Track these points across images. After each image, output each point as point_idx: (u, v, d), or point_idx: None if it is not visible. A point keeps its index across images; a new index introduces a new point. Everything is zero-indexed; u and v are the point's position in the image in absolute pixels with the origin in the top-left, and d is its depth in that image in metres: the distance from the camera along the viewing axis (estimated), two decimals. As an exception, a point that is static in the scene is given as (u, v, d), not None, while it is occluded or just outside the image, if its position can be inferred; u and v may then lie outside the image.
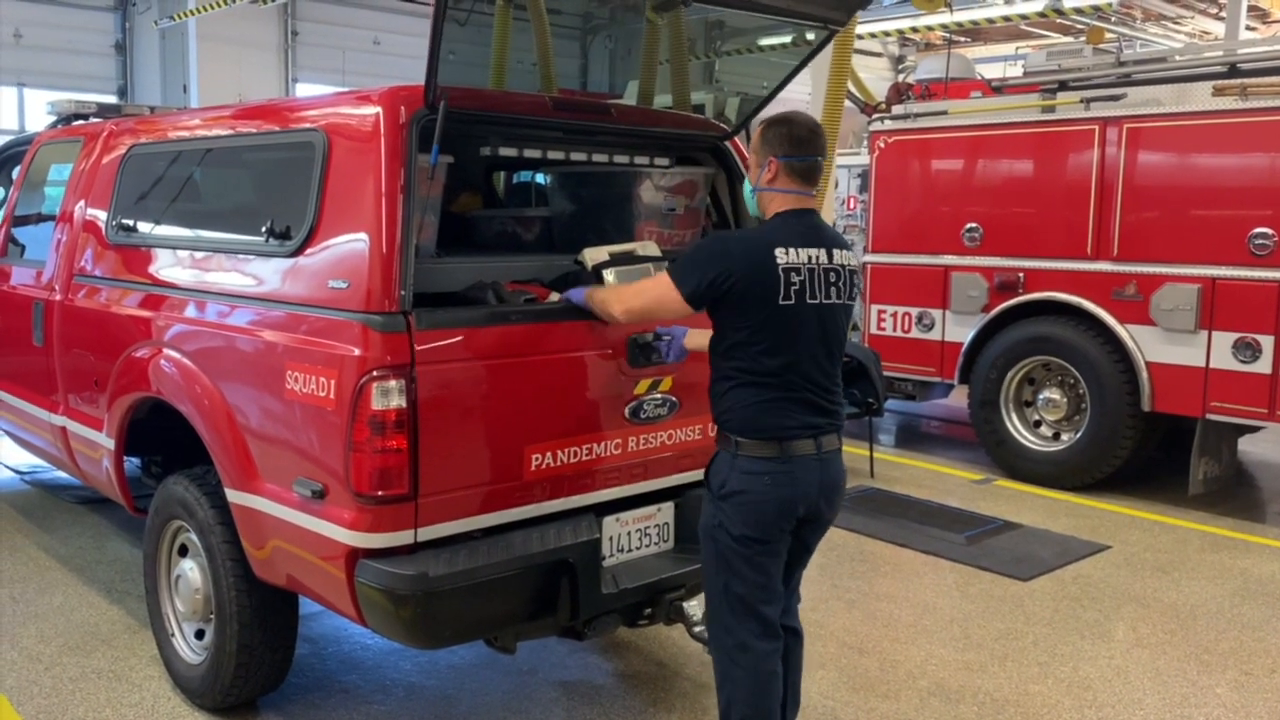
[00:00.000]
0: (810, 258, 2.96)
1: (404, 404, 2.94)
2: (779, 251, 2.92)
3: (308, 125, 3.38)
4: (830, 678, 4.25)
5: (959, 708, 4.02)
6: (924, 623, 4.85)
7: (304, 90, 15.32)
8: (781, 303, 2.90)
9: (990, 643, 4.64)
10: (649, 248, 3.94)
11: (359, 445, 2.94)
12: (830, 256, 3.01)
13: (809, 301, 2.94)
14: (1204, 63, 7.24)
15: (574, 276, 3.63)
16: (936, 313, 7.92)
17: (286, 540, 3.26)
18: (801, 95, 10.52)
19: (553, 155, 3.77)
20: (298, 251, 3.26)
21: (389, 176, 3.04)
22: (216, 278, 3.67)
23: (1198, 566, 5.73)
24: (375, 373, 2.92)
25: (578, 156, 3.84)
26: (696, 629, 3.62)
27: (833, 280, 3.00)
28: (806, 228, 3.01)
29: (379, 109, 3.13)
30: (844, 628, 4.75)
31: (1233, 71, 6.89)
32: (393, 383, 2.93)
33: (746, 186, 3.20)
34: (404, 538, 2.98)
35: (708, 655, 3.98)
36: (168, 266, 3.99)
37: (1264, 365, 6.28)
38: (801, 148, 3.01)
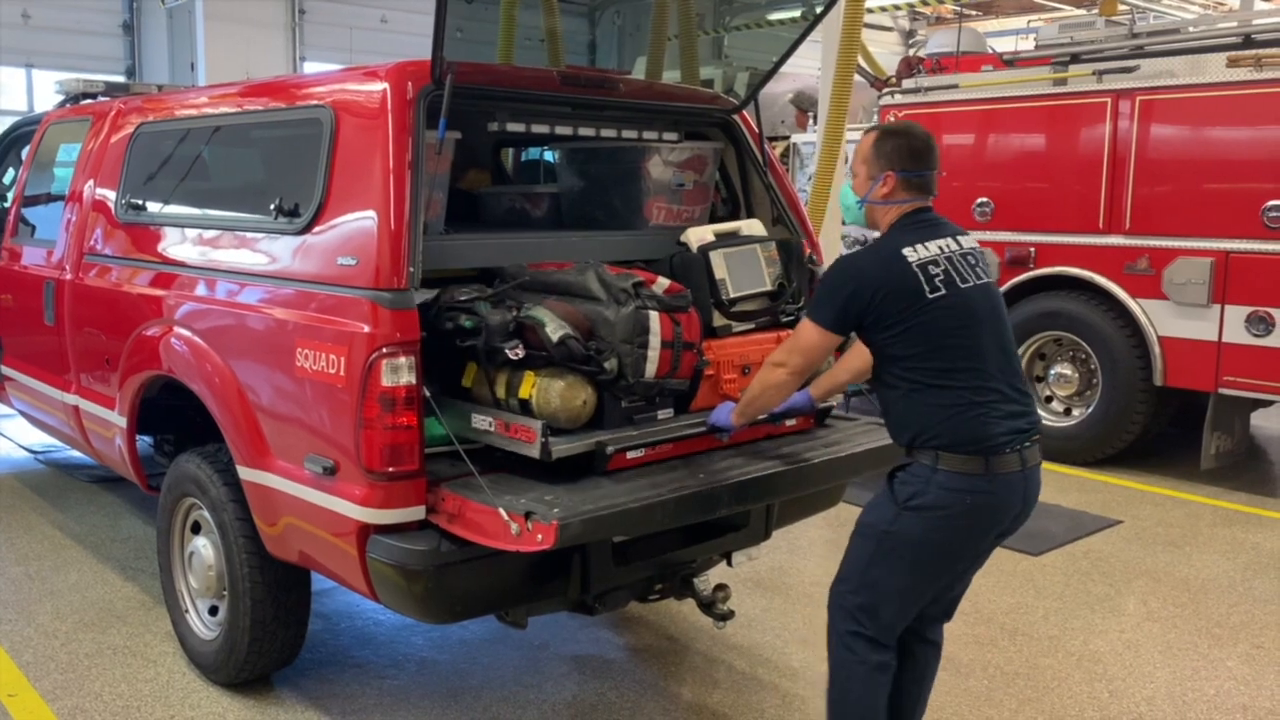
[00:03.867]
0: (941, 247, 2.83)
1: (413, 380, 2.95)
2: (907, 251, 2.79)
3: (315, 102, 3.37)
4: (840, 652, 4.26)
5: (969, 681, 4.03)
6: (934, 597, 4.85)
7: (312, 69, 15.28)
8: (930, 296, 2.74)
9: (1000, 617, 4.64)
10: (754, 226, 3.87)
11: (369, 422, 2.95)
12: (959, 243, 2.88)
13: (962, 286, 2.79)
14: (1217, 34, 7.16)
15: (677, 259, 3.61)
16: (947, 288, 7.86)
17: (298, 517, 3.28)
18: (812, 69, 10.46)
19: (561, 131, 3.75)
20: (306, 229, 3.26)
21: (396, 153, 3.04)
22: (226, 256, 3.68)
23: (1209, 541, 5.72)
24: (384, 349, 2.93)
25: (586, 132, 3.82)
26: (707, 604, 3.63)
27: (971, 263, 2.86)
28: (925, 225, 2.89)
29: (386, 85, 3.12)
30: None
31: (1247, 42, 6.82)
32: (402, 359, 2.94)
33: (848, 196, 3.05)
34: (415, 513, 2.99)
35: (718, 629, 4.02)
36: (177, 245, 3.99)
37: (1277, 339, 6.25)
38: (920, 161, 2.90)
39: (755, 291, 3.73)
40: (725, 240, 3.64)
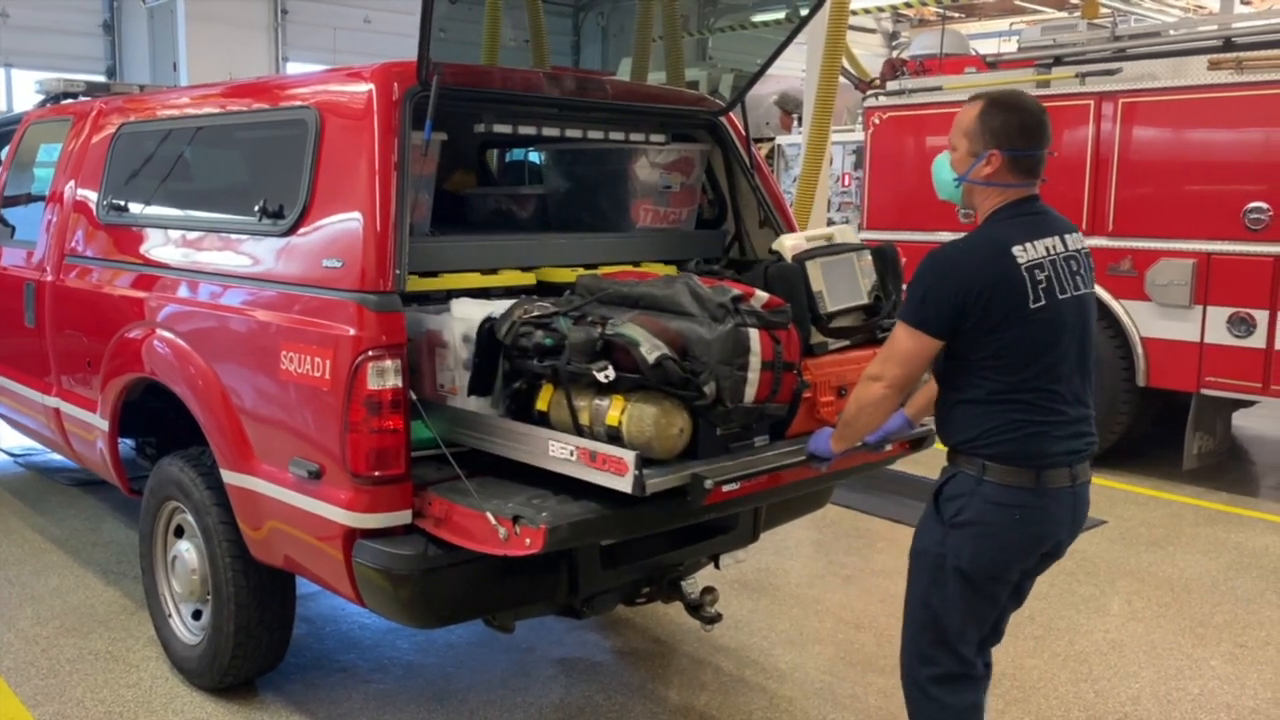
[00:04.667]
0: (1048, 248, 2.58)
1: (400, 384, 2.93)
2: (1016, 250, 2.53)
3: (300, 103, 3.35)
4: (827, 653, 4.26)
5: (956, 682, 4.04)
6: (920, 598, 4.86)
7: (294, 69, 15.22)
8: (1033, 307, 2.53)
9: (986, 618, 4.65)
10: (846, 234, 3.57)
11: (355, 425, 2.93)
12: (1065, 243, 2.64)
13: (1060, 297, 2.57)
14: (1198, 36, 7.21)
15: (771, 269, 3.33)
16: (931, 289, 7.89)
17: (283, 521, 3.25)
18: (796, 71, 10.49)
19: (547, 132, 3.74)
20: (291, 230, 3.24)
21: (382, 154, 3.02)
22: (209, 257, 3.65)
23: (1192, 541, 5.75)
24: (370, 352, 2.91)
25: (573, 133, 3.81)
26: (694, 607, 3.63)
27: (1075, 268, 2.63)
28: (1034, 217, 2.64)
29: (371, 86, 3.10)
30: (840, 603, 4.77)
31: (1227, 45, 6.87)
32: (388, 363, 2.92)
33: (944, 172, 2.71)
34: (401, 518, 2.97)
35: (705, 632, 4.01)
36: (160, 246, 3.96)
37: (1258, 340, 6.29)
38: (1031, 139, 2.61)
39: (852, 305, 3.44)
40: (821, 248, 3.35)
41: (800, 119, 10.94)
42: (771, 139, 11.20)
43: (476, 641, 4.28)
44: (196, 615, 3.85)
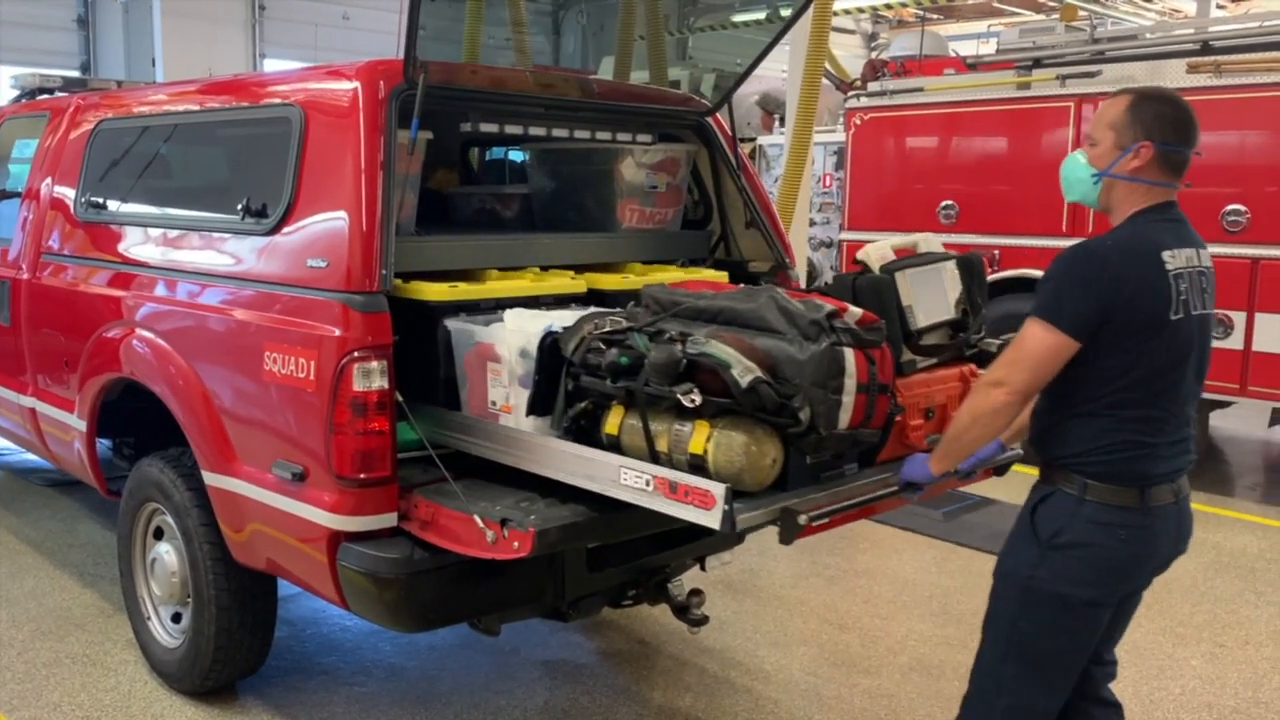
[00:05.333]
0: (1189, 259, 2.44)
1: (386, 385, 2.90)
2: (1167, 256, 2.39)
3: (284, 100, 3.31)
4: (812, 654, 4.26)
5: (940, 683, 4.05)
6: (903, 598, 4.87)
7: (272, 66, 15.10)
8: (1172, 318, 2.39)
9: (969, 617, 4.66)
10: (930, 242, 3.32)
11: (340, 427, 2.89)
12: (1200, 257, 2.50)
13: (1193, 313, 2.44)
14: (1176, 40, 7.27)
15: (860, 282, 3.04)
16: (912, 290, 7.92)
17: (266, 523, 3.22)
18: (776, 72, 10.49)
19: (534, 131, 3.72)
20: (274, 230, 3.20)
21: (368, 153, 2.99)
22: (190, 256, 3.60)
23: (1171, 541, 5.79)
24: (356, 354, 2.88)
25: (559, 133, 3.79)
26: (681, 609, 3.62)
27: (1204, 285, 2.50)
28: (1176, 225, 2.49)
29: (357, 84, 3.07)
30: (824, 604, 4.77)
31: (1205, 49, 6.92)
32: (374, 364, 2.89)
33: (1078, 168, 2.55)
34: (386, 520, 2.95)
35: (690, 634, 4.00)
36: (139, 245, 3.91)
37: (1236, 341, 6.35)
38: (1183, 135, 2.46)
39: (942, 320, 3.18)
40: (909, 259, 3.11)
41: (782, 119, 10.97)
42: (753, 139, 11.21)
43: (460, 644, 4.25)
44: (176, 618, 3.81)
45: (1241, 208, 6.30)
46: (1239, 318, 6.33)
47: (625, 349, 2.68)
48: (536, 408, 2.90)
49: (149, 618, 3.90)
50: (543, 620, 3.99)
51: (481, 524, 2.71)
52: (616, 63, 6.87)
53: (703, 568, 3.73)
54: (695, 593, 3.62)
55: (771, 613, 4.67)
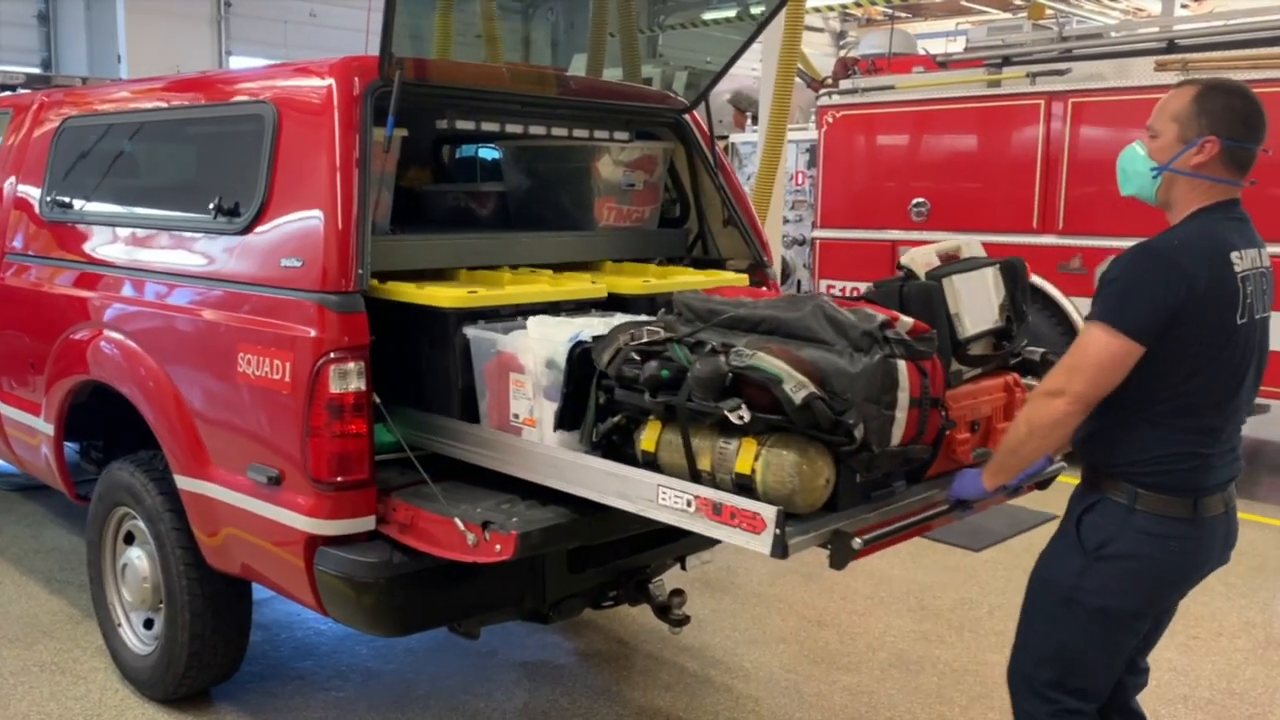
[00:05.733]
0: (1253, 261, 2.35)
1: (363, 386, 2.86)
2: (1234, 255, 2.30)
3: (256, 98, 3.26)
4: (791, 651, 4.26)
5: (919, 678, 4.06)
6: (880, 594, 4.88)
7: (238, 63, 14.93)
8: (1239, 321, 2.31)
9: (946, 613, 4.69)
10: (973, 246, 3.17)
11: (317, 430, 2.85)
12: (1262, 258, 2.40)
13: (1255, 317, 2.37)
14: (1142, 39, 7.34)
15: (908, 289, 2.89)
16: (885, 287, 7.95)
17: (241, 528, 3.17)
18: (746, 70, 10.50)
19: (511, 128, 3.68)
20: (247, 229, 3.15)
21: (344, 151, 2.95)
22: (161, 256, 3.54)
23: (1143, 534, 5.84)
24: (332, 354, 2.84)
25: (537, 130, 3.75)
26: (662, 609, 3.60)
27: (1264, 288, 2.41)
28: (1240, 223, 2.38)
29: (332, 81, 3.03)
30: (802, 601, 4.77)
31: (1171, 47, 7.00)
32: (351, 365, 2.85)
33: (1136, 160, 2.45)
34: (365, 524, 2.91)
35: (672, 634, 3.98)
36: (107, 245, 3.83)
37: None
38: (1251, 130, 2.35)
39: (988, 329, 3.03)
40: (955, 264, 2.97)
41: (754, 117, 10.98)
42: (725, 137, 11.20)
43: (437, 646, 4.21)
44: (148, 624, 3.74)
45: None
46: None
47: (665, 361, 2.53)
48: (565, 422, 2.75)
49: (120, 624, 3.84)
50: (521, 622, 3.97)
51: (462, 527, 2.68)
52: (589, 60, 6.84)
53: (683, 567, 3.71)
54: (677, 593, 3.60)
55: (750, 610, 4.66)
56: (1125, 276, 2.29)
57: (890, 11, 17.39)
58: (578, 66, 7.01)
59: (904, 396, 2.42)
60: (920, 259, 2.94)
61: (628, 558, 3.41)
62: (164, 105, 3.82)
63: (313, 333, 2.87)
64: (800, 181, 9.91)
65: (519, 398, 2.86)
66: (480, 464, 2.91)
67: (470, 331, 2.98)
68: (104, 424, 4.01)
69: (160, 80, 3.99)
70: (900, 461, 2.55)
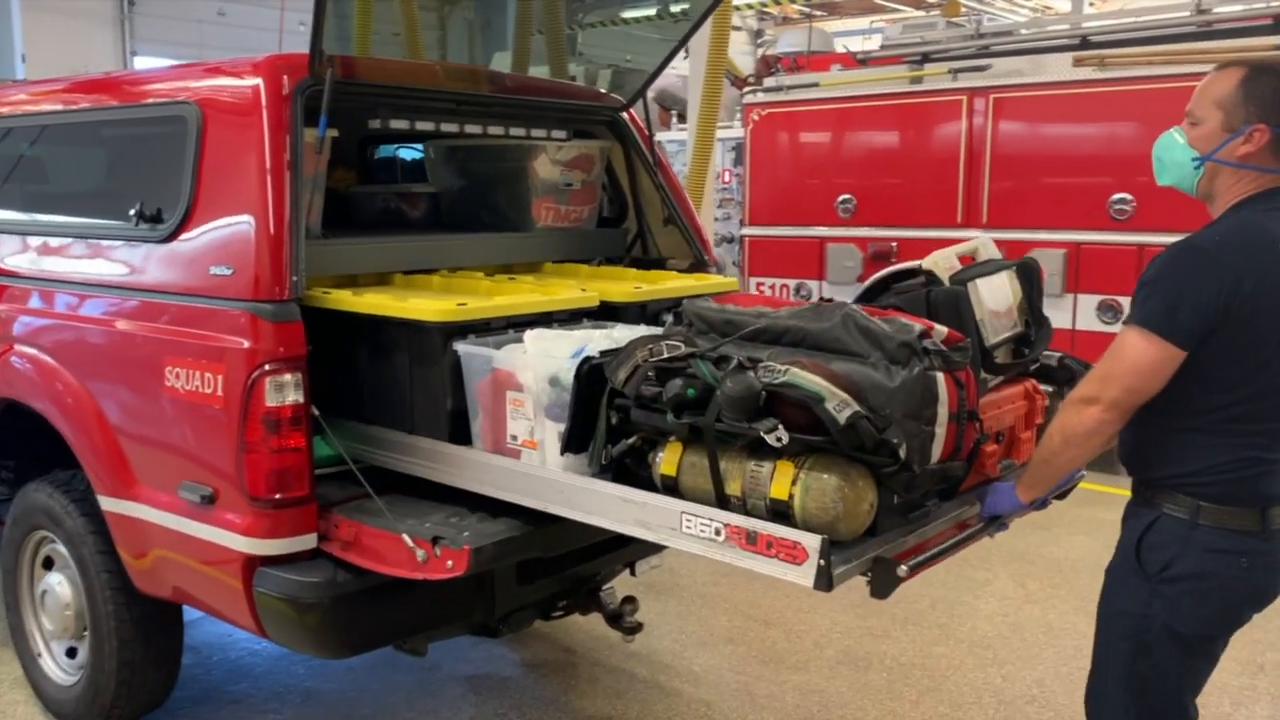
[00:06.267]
0: None
1: (300, 399, 2.74)
2: None
3: (178, 98, 3.10)
4: (740, 652, 4.23)
5: (868, 675, 4.06)
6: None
7: (143, 64, 14.44)
8: None
9: (889, 607, 4.69)
10: (989, 247, 3.00)
11: (252, 446, 2.72)
12: None
13: None
14: (1052, 35, 7.48)
15: (935, 294, 2.69)
16: (813, 284, 8.01)
17: (172, 549, 3.02)
18: (671, 69, 10.48)
19: (446, 127, 3.58)
20: (172, 236, 2.99)
21: (274, 152, 2.82)
22: (76, 266, 3.35)
23: (1073, 521, 5.95)
24: (267, 366, 2.71)
25: (472, 129, 3.65)
26: (614, 617, 3.53)
27: None
28: None
29: (260, 80, 2.89)
30: (747, 600, 4.74)
31: (1084, 44, 7.15)
32: (287, 376, 2.73)
33: (1175, 149, 2.30)
34: (305, 542, 2.79)
35: (627, 643, 3.91)
36: (16, 254, 3.62)
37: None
38: None
39: (1010, 335, 2.88)
40: (974, 268, 2.80)
41: (679, 116, 10.96)
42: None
43: (379, 662, 4.08)
44: (71, 653, 3.55)
45: (1128, 196, 6.52)
46: (1128, 303, 6.53)
47: (689, 379, 2.33)
48: (573, 444, 2.55)
49: (40, 654, 3.64)
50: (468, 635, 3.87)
51: (411, 543, 2.58)
52: (514, 58, 6.74)
53: (633, 573, 3.65)
54: (629, 600, 3.54)
55: (695, 612, 4.62)
56: (1165, 276, 2.15)
57: (808, 10, 17.55)
58: (500, 65, 6.90)
59: (944, 411, 2.27)
60: (943, 262, 2.77)
61: (577, 566, 3.33)
62: (77, 107, 3.63)
63: (246, 344, 2.74)
64: (727, 179, 9.93)
65: (518, 418, 2.67)
66: (468, 488, 2.73)
67: (461, 347, 2.74)
68: (15, 443, 3.80)
69: (73, 80, 3.79)
70: (939, 480, 2.40)
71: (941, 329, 2.36)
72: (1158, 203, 6.44)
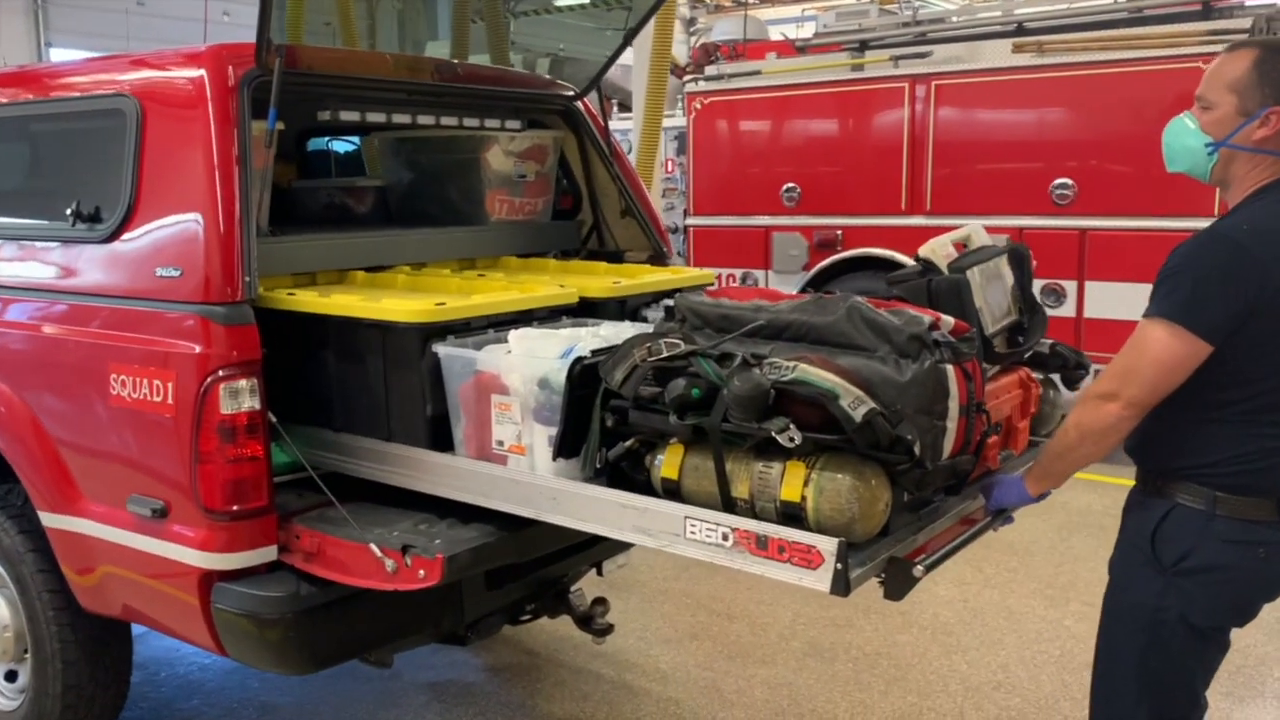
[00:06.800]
0: None
1: (257, 405, 2.61)
2: None
3: (115, 90, 2.94)
4: (705, 648, 4.19)
5: (835, 666, 4.04)
6: (784, 582, 4.85)
7: (59, 56, 13.92)
8: None
9: (853, 596, 4.67)
10: (980, 233, 2.90)
11: (207, 456, 2.59)
12: None
13: None
14: (985, 22, 7.52)
15: (936, 284, 2.62)
16: (759, 273, 7.99)
17: (121, 565, 2.87)
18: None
19: (398, 118, 3.46)
20: (113, 236, 2.84)
21: (221, 147, 2.68)
22: (9, 270, 3.16)
23: (1024, 504, 6.02)
24: (221, 372, 2.58)
25: (425, 120, 3.53)
26: (584, 620, 3.45)
27: None
28: None
29: (203, 70, 2.75)
30: (709, 594, 4.70)
31: (1020, 30, 7.20)
32: (242, 382, 2.60)
33: (1186, 134, 2.22)
34: (265, 555, 2.66)
35: (596, 645, 3.84)
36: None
37: (1069, 309, 6.65)
38: None
39: (1008, 322, 2.83)
40: (970, 255, 2.73)
41: (620, 105, 10.85)
42: (587, 125, 11.07)
43: (337, 672, 3.93)
44: (11, 677, 3.37)
45: (1069, 181, 6.59)
46: (1070, 286, 6.64)
47: (693, 378, 2.22)
48: (565, 449, 2.43)
49: (-23, 678, 3.45)
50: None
51: (379, 553, 2.48)
52: (453, 46, 6.60)
53: (599, 573, 3.58)
54: (599, 601, 3.47)
55: (658, 608, 4.57)
56: (1190, 267, 2.06)
57: (741, -2, 17.53)
58: (434, 54, 6.74)
59: (954, 405, 2.19)
60: (940, 250, 2.68)
61: (545, 568, 3.25)
62: (5, 101, 3.43)
63: (197, 349, 2.61)
64: (670, 169, 9.87)
65: (504, 422, 2.54)
66: (452, 496, 2.61)
67: (441, 349, 2.60)
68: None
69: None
70: (949, 476, 2.31)
71: (949, 319, 2.29)
72: (1098, 187, 6.53)
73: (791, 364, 2.16)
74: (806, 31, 11.39)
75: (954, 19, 7.94)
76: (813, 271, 7.65)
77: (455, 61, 3.54)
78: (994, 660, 4.10)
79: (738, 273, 8.07)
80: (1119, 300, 6.39)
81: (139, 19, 14.63)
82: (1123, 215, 6.43)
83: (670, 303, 2.62)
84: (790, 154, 7.80)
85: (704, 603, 4.62)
